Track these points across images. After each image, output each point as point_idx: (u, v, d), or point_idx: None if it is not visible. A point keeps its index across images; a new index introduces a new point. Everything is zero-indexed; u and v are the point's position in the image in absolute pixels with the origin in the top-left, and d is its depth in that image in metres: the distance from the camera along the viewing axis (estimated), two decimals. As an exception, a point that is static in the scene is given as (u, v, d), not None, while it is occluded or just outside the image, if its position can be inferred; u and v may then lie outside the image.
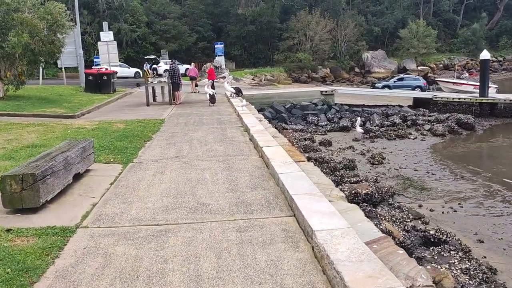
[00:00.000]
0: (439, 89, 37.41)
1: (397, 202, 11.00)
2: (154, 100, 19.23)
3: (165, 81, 17.45)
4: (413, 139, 20.13)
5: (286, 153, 7.02)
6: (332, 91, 23.57)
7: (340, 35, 52.54)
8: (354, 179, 11.70)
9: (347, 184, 11.23)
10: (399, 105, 24.97)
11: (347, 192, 10.27)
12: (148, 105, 17.21)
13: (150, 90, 18.86)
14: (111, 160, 7.15)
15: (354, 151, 17.66)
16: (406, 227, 8.69)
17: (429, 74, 52.00)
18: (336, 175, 12.52)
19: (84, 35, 45.29)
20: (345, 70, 54.26)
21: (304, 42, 50.47)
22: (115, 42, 24.49)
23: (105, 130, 10.18)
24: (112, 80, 21.88)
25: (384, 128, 20.96)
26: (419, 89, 36.87)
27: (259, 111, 18.88)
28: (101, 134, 9.51)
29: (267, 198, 5.01)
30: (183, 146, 8.42)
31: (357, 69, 54.95)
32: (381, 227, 8.08)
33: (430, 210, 10.77)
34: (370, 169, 14.94)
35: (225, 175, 6.13)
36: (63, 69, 24.84)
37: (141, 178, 6.06)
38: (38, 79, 25.05)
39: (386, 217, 9.26)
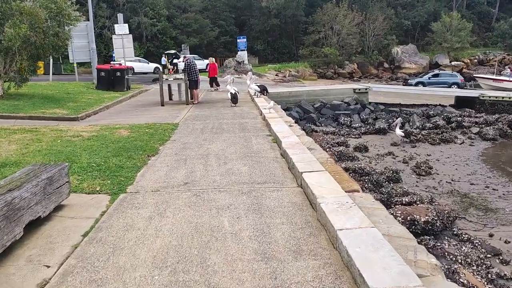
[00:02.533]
0: (477, 86, 34.66)
1: (462, 230, 8.86)
2: (170, 98, 17.43)
3: (181, 78, 15.58)
4: (460, 143, 17.80)
5: (333, 180, 5.02)
6: (366, 89, 21.32)
7: (369, 29, 49.92)
8: (406, 199, 9.58)
9: (398, 206, 9.14)
10: (440, 105, 22.55)
11: (400, 218, 8.23)
12: (162, 104, 15.38)
13: (166, 88, 17.06)
14: (97, 189, 5.26)
15: (394, 158, 15.48)
16: (490, 275, 6.57)
17: (464, 70, 48.90)
18: (382, 192, 10.45)
19: (103, 29, 44.08)
20: (373, 65, 51.64)
21: (331, 36, 48.06)
22: (131, 36, 22.76)
23: (104, 139, 8.33)
24: (126, 77, 20.16)
25: (426, 131, 18.66)
26: (455, 86, 34.29)
27: (285, 110, 16.86)
28: (97, 146, 7.66)
29: (323, 280, 3.01)
30: (196, 165, 6.48)
31: (386, 65, 52.24)
32: (461, 280, 6.00)
33: (505, 242, 8.58)
34: (417, 182, 12.78)
35: (252, 221, 4.15)
36: (75, 65, 23.27)
37: (130, 225, 4.14)
38: (49, 74, 23.70)
39: (458, 257, 7.15)
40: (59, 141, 8.13)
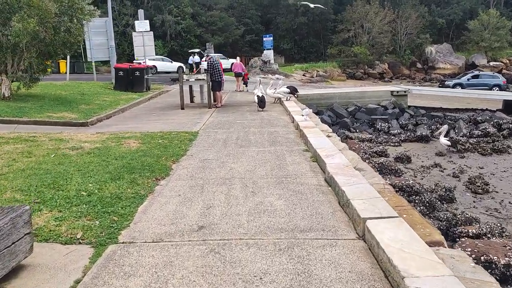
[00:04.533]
0: (521, 88, 32.20)
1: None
2: (192, 101, 16.01)
3: (203, 79, 14.11)
4: (515, 154, 15.75)
5: (415, 235, 3.42)
6: (405, 92, 19.42)
7: (401, 27, 47.60)
8: (473, 230, 7.80)
9: (465, 240, 7.40)
10: (487, 109, 20.44)
11: (472, 258, 6.53)
12: (182, 108, 13.96)
13: (187, 89, 15.66)
14: (78, 236, 3.79)
15: (442, 171, 13.61)
16: None
17: (503, 71, 46.03)
18: (439, 218, 8.72)
19: (127, 28, 43.19)
20: (405, 65, 49.30)
21: (361, 34, 46.00)
22: (152, 33, 21.49)
23: (107, 154, 6.89)
24: (145, 77, 18.87)
25: (474, 139, 16.67)
26: (497, 88, 31.91)
27: (316, 114, 15.22)
28: (96, 164, 6.22)
29: None
30: (215, 196, 4.94)
31: (419, 65, 49.77)
32: None
33: None
34: (474, 202, 10.93)
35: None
36: (93, 63, 22.14)
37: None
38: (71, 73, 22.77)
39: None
40: (53, 155, 6.73)
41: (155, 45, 42.33)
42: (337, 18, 48.92)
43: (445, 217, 8.64)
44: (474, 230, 7.77)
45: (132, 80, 18.55)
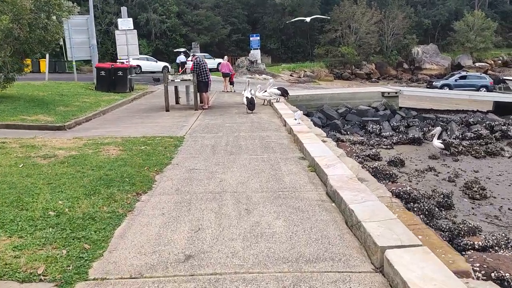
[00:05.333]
0: (507, 89, 32.14)
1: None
2: (177, 102, 15.33)
3: (189, 79, 13.44)
4: (509, 157, 15.42)
5: (437, 260, 2.87)
6: (396, 93, 18.99)
7: (387, 28, 47.44)
8: (479, 243, 7.32)
9: (471, 253, 6.91)
10: (478, 111, 20.17)
11: (481, 275, 6.04)
12: (167, 109, 13.27)
13: (172, 89, 14.98)
14: (39, 273, 3.13)
15: (437, 175, 13.18)
16: None
17: (489, 72, 46.20)
18: (440, 228, 8.24)
19: (110, 26, 42.11)
20: (392, 66, 49.19)
21: (348, 35, 45.71)
22: (135, 31, 20.68)
23: (83, 163, 6.21)
24: (129, 77, 18.09)
25: (467, 142, 16.33)
26: (484, 89, 31.90)
27: (306, 116, 14.68)
28: (69, 176, 5.54)
29: None
30: (204, 215, 4.32)
31: (405, 65, 49.72)
32: None
33: None
34: (472, 208, 10.50)
35: None
36: (74, 63, 21.25)
37: None
38: (52, 72, 21.82)
39: None
40: (21, 165, 6.02)
41: (139, 44, 41.36)
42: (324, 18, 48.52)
43: (447, 227, 8.16)
44: (480, 243, 7.29)
45: (114, 80, 17.75)
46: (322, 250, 3.49)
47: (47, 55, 19.95)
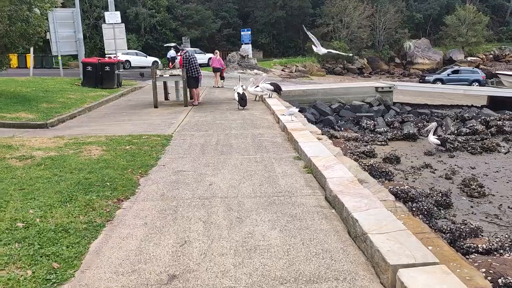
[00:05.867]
0: (499, 84, 32.05)
1: None
2: (166, 98, 14.84)
3: (179, 75, 12.95)
4: (505, 153, 15.13)
5: (457, 281, 2.49)
6: (390, 88, 18.64)
7: (379, 22, 47.13)
8: (483, 245, 6.96)
9: (475, 257, 6.57)
10: (473, 106, 19.92)
11: (488, 281, 5.69)
12: (156, 106, 12.78)
13: (161, 85, 14.47)
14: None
15: (433, 173, 12.85)
16: None
17: (481, 66, 46.14)
18: (442, 230, 7.89)
19: (99, 20, 41.26)
20: (384, 60, 48.96)
21: (340, 29, 45.34)
22: (123, 25, 20.10)
23: (62, 165, 5.74)
24: (116, 72, 17.52)
25: (463, 137, 16.04)
26: (477, 84, 31.75)
27: (299, 111, 14.28)
28: (45, 180, 5.08)
29: None
30: (192, 225, 3.90)
31: (397, 60, 49.53)
32: None
33: None
34: (471, 207, 10.17)
35: None
36: (59, 57, 20.60)
37: None
38: (40, 68, 21.15)
39: None
40: (-7, 168, 5.55)
41: (128, 39, 40.77)
42: (316, 12, 48.13)
43: (448, 229, 7.81)
44: (484, 245, 6.94)
45: (101, 75, 17.19)
46: (324, 267, 3.09)
47: (31, 50, 19.28)
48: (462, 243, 7.19)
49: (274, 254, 3.31)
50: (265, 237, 3.60)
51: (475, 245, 7.01)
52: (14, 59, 35.35)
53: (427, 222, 8.34)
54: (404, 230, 3.26)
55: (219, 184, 5.11)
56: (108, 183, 4.98)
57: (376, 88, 18.62)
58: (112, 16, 19.67)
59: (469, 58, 48.65)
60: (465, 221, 8.48)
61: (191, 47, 40.63)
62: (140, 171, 5.62)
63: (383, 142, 15.52)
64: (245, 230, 3.74)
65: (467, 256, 6.58)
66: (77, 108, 12.02)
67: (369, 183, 5.56)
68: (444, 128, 16.90)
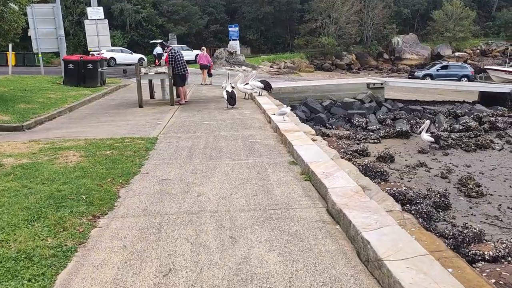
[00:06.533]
0: (488, 79, 31.98)
1: None
2: (152, 97, 14.25)
3: (164, 72, 12.38)
4: (499, 150, 14.89)
5: None
6: (381, 84, 18.27)
7: (367, 17, 46.86)
8: (490, 252, 6.57)
9: (482, 266, 6.19)
10: (464, 101, 19.65)
11: (497, 293, 5.31)
12: (141, 105, 12.20)
13: (146, 83, 13.88)
14: None
15: (428, 171, 12.53)
16: None
17: (468, 61, 46.16)
18: (443, 234, 7.52)
19: (82, 16, 40.21)
20: (373, 56, 48.77)
21: (328, 24, 44.95)
22: (106, 21, 19.38)
23: (33, 175, 5.18)
24: (99, 70, 16.85)
25: (456, 134, 15.75)
26: (466, 79, 31.67)
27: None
28: (12, 192, 4.51)
29: None
30: (178, 249, 3.39)
31: (386, 56, 49.36)
32: None
33: None
34: (470, 208, 9.86)
35: None
36: (40, 55, 19.80)
37: None
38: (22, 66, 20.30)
39: None
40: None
41: (113, 36, 39.87)
42: (304, 8, 47.63)
43: (451, 234, 7.43)
44: (490, 252, 6.56)
45: (84, 73, 16.49)
46: (335, 303, 2.61)
47: (10, 47, 18.47)
48: (467, 250, 6.81)
49: (275, 284, 2.82)
50: (262, 263, 3.11)
51: (481, 252, 6.62)
52: (-6, 57, 34.30)
53: (427, 225, 7.95)
54: (425, 255, 2.79)
55: (209, 195, 4.60)
56: (83, 196, 4.44)
57: (368, 84, 18.23)
58: (95, 12, 18.95)
59: (456, 53, 48.66)
60: (466, 224, 8.11)
61: (178, 43, 39.88)
62: (120, 181, 5.08)
63: (375, 140, 15.16)
64: (240, 254, 3.25)
65: (474, 265, 6.19)
66: (57, 108, 11.38)
67: (372, 190, 5.11)
68: (437, 125, 16.60)
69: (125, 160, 5.99)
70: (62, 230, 3.65)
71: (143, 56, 36.05)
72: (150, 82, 14.12)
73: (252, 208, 4.18)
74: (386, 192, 9.00)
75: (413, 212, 8.48)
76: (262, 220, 3.89)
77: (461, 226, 7.97)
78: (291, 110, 13.26)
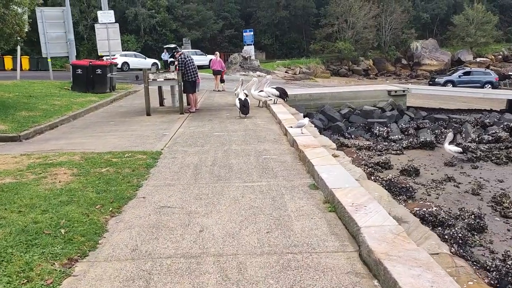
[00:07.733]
0: (512, 85, 30.77)
1: None
2: (162, 104, 13.56)
3: (174, 78, 11.66)
4: (534, 163, 13.82)
5: None
6: (404, 91, 17.29)
7: (385, 22, 45.80)
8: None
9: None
10: (492, 110, 18.55)
11: None
12: (148, 113, 11.50)
13: (155, 89, 13.20)
14: None
15: (457, 187, 11.55)
16: None
17: (491, 67, 44.70)
18: (487, 267, 6.60)
19: (96, 21, 40.01)
20: (390, 62, 47.61)
21: (345, 29, 43.99)
22: (117, 25, 18.84)
23: (12, 200, 4.43)
24: (109, 75, 16.25)
25: (485, 145, 14.71)
26: (489, 86, 30.40)
27: (304, 116, 12.99)
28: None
29: None
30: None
31: (404, 61, 48.14)
32: None
33: None
34: (508, 230, 8.92)
35: None
36: (49, 59, 19.32)
37: None
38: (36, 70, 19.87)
39: None
40: None
41: (127, 40, 39.58)
42: (320, 12, 46.78)
43: (493, 266, 6.50)
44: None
45: (92, 79, 15.91)
46: None
47: (18, 50, 18.02)
48: (514, 287, 5.89)
49: None
50: None
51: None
52: (8, 61, 34.22)
53: (465, 254, 7.04)
54: None
55: (213, 229, 3.80)
56: (62, 230, 3.67)
57: (389, 91, 17.28)
58: (105, 16, 18.42)
59: (478, 59, 47.21)
60: (508, 252, 7.17)
61: (192, 48, 39.38)
62: (111, 208, 4.31)
63: (398, 151, 14.23)
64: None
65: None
66: (60, 116, 10.74)
67: (409, 223, 4.26)
68: (464, 135, 15.57)
69: (120, 181, 5.22)
70: (25, 281, 2.88)
71: (156, 61, 35.59)
72: (160, 88, 13.46)
73: (265, 251, 3.36)
74: (415, 213, 8.12)
75: (446, 236, 7.60)
76: (279, 269, 3.07)
77: (502, 254, 7.07)
78: (307, 117, 12.46)
